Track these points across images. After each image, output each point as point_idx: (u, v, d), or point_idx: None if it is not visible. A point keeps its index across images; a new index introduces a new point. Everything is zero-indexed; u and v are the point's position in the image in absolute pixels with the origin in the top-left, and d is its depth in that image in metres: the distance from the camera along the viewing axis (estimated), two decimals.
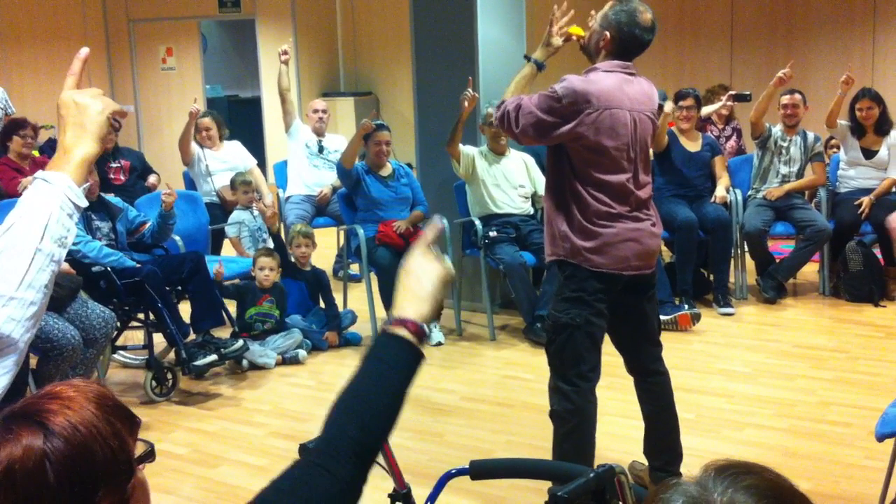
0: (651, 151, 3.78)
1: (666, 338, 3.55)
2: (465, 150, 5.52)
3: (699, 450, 3.74)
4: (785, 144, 6.22)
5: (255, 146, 8.82)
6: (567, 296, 3.16)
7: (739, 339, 5.41)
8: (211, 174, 6.45)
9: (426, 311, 1.35)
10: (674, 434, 3.45)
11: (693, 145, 6.13)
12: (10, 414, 1.10)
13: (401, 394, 1.27)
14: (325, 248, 6.78)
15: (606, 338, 3.30)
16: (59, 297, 4.15)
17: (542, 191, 5.17)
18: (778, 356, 5.05)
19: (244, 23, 11.09)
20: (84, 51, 1.62)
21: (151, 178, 6.89)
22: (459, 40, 5.77)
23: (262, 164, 7.70)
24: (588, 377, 3.19)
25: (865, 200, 6.06)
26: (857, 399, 4.38)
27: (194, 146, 6.49)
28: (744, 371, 4.84)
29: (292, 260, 5.61)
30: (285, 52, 6.51)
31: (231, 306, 5.19)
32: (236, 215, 6.04)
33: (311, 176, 6.75)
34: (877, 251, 6.15)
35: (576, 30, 3.30)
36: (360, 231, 5.54)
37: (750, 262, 6.27)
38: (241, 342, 4.83)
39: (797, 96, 6.21)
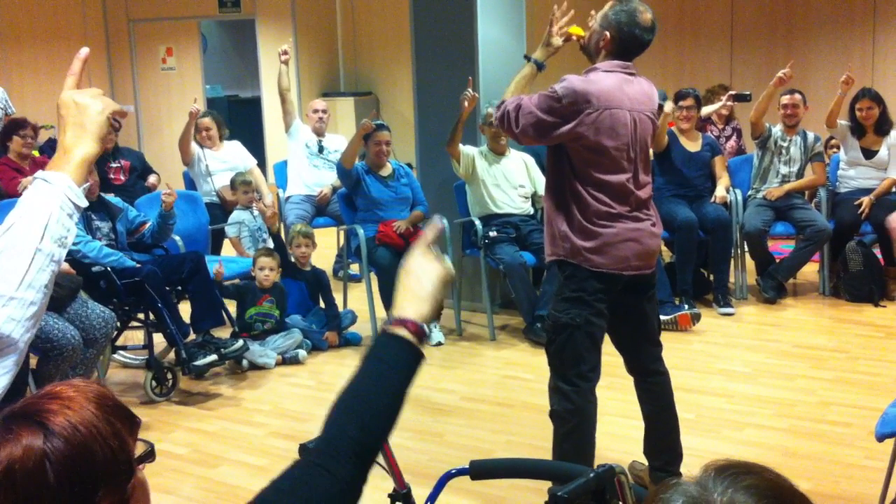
0: (651, 151, 3.78)
1: (666, 338, 3.55)
2: (465, 150, 5.51)
3: (699, 450, 3.73)
4: (785, 144, 6.21)
5: (255, 146, 8.82)
6: (567, 296, 3.17)
7: (739, 339, 5.41)
8: (211, 174, 6.45)
9: (426, 311, 1.35)
10: (674, 434, 3.45)
11: (693, 145, 6.13)
12: (10, 414, 1.10)
13: (401, 394, 1.27)
14: (325, 248, 6.78)
15: (606, 338, 3.30)
16: (59, 297, 4.15)
17: (542, 191, 5.16)
18: (778, 356, 5.05)
19: (244, 23, 11.09)
20: (84, 51, 1.62)
21: (151, 178, 6.89)
22: (459, 40, 5.76)
23: (262, 164, 7.70)
24: (588, 377, 3.19)
25: (865, 200, 6.06)
26: (857, 399, 4.38)
27: (194, 146, 6.49)
28: (744, 371, 4.84)
29: (292, 260, 5.61)
30: (285, 52, 6.51)
31: (231, 306, 5.19)
32: (236, 215, 6.03)
33: (311, 176, 6.75)
34: (877, 251, 6.14)
35: (576, 30, 3.30)
36: (360, 231, 5.54)
37: (750, 262, 6.27)
38: (241, 342, 4.83)
39: (797, 96, 6.21)
